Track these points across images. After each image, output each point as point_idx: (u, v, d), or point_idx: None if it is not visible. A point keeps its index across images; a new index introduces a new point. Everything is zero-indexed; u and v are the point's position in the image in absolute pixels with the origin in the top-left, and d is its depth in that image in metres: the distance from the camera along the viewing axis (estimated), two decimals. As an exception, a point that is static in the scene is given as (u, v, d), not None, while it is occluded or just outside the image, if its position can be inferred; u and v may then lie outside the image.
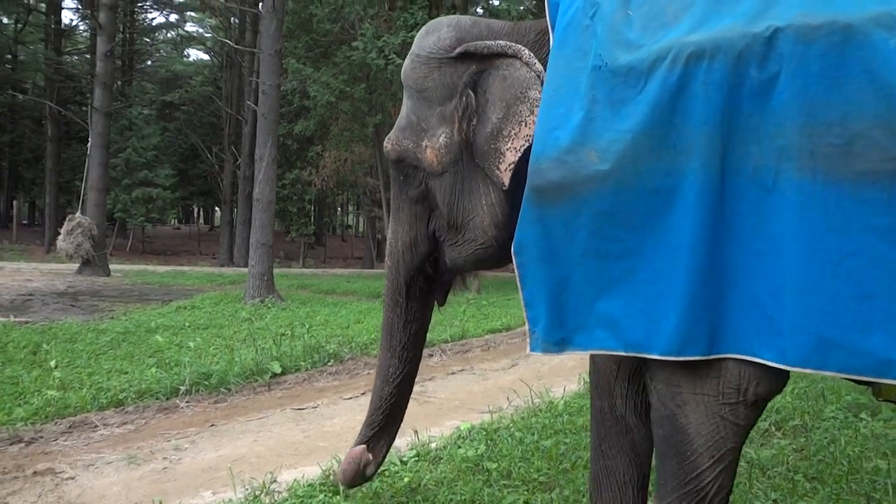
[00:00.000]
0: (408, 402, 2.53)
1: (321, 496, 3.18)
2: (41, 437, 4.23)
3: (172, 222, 44.38)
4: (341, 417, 4.81)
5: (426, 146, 2.06)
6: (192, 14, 34.73)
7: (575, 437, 3.99)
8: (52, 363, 5.90)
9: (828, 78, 1.41)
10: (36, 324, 8.29)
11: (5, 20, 27.63)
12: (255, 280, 11.27)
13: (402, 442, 3.75)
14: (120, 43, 25.34)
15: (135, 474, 3.67)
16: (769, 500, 3.12)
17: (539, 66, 1.90)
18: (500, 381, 6.06)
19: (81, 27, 30.82)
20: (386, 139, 2.19)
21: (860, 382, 1.72)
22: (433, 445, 3.93)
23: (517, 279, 1.84)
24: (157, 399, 5.11)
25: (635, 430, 2.16)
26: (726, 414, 1.69)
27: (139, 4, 31.10)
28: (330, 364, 6.56)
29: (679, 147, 1.57)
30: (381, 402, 2.39)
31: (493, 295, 13.55)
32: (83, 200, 16.45)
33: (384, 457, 2.57)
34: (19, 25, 27.76)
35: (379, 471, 2.82)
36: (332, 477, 3.34)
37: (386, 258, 2.31)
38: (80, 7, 28.51)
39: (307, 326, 8.41)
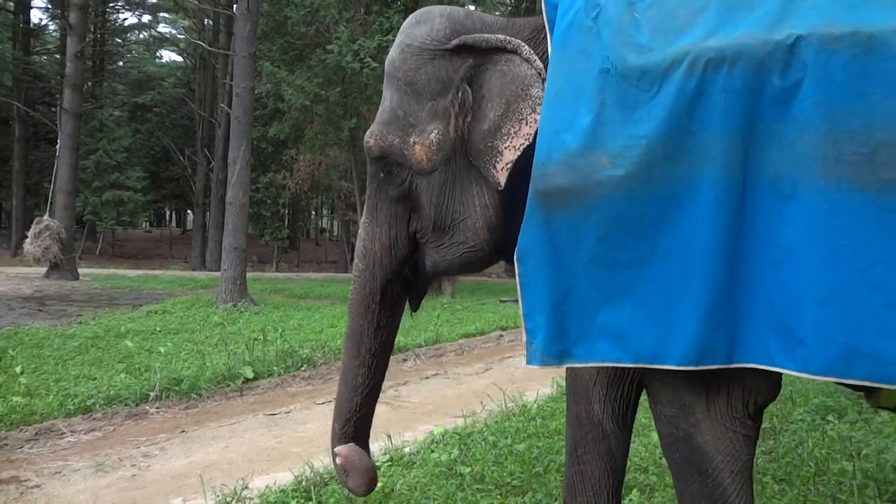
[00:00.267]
0: (374, 411, 2.37)
1: (293, 502, 3.16)
2: (6, 445, 4.14)
3: (144, 225, 43.79)
4: (314, 423, 4.78)
5: (414, 142, 1.93)
6: (165, 15, 34.41)
7: (548, 440, 4.01)
8: (18, 369, 5.78)
9: (851, 87, 1.40)
10: (1, 329, 8.13)
11: (-29, 19, 27.11)
12: (227, 284, 11.17)
13: (376, 447, 3.73)
14: (91, 43, 24.92)
15: (102, 482, 3.61)
16: (738, 502, 3.16)
17: (539, 64, 1.83)
18: (473, 385, 6.07)
19: (51, 27, 30.34)
20: (367, 134, 2.04)
21: (857, 388, 1.72)
22: (406, 450, 3.93)
23: (518, 288, 1.76)
24: (126, 405, 5.03)
25: (612, 436, 2.15)
26: (738, 428, 1.70)
27: (111, 5, 30.60)
28: (303, 369, 6.51)
29: (695, 154, 1.54)
30: (350, 413, 2.22)
31: (468, 299, 13.58)
32: (51, 203, 16.16)
33: None
34: (-14, 24, 27.27)
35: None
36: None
37: (356, 261, 2.16)
38: (49, 7, 28.06)
39: (280, 331, 8.34)
